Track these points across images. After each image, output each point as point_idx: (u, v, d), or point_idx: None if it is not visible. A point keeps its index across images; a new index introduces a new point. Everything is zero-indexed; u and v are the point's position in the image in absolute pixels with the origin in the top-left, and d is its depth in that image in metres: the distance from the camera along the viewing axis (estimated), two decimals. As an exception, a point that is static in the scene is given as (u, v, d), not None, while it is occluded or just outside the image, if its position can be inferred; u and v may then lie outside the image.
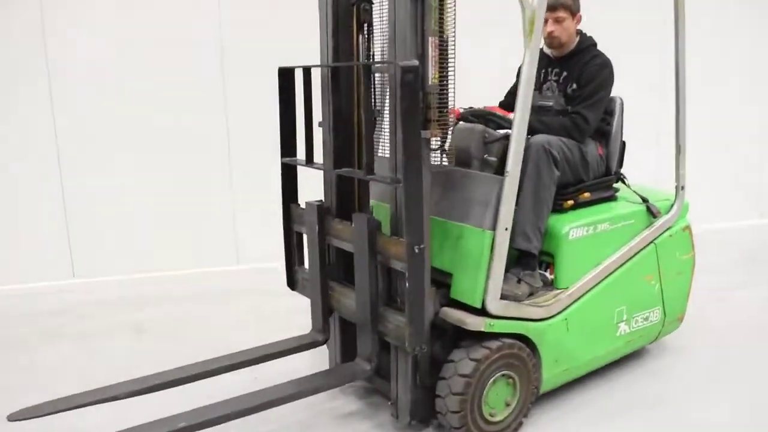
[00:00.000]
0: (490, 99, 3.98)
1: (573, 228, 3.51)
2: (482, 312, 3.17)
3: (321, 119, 3.45)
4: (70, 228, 5.89)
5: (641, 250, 3.82)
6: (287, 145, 3.61)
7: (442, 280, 3.30)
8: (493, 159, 3.39)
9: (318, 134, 3.42)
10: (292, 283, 3.82)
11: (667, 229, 3.96)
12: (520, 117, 3.05)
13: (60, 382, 3.86)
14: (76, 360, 4.35)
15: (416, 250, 2.85)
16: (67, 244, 5.90)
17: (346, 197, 3.53)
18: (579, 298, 3.53)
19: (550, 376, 3.48)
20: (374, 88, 3.26)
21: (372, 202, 3.63)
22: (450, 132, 3.10)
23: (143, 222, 6.03)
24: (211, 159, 6.13)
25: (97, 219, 5.93)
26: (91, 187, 5.86)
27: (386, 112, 3.33)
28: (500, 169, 3.36)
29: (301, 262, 3.79)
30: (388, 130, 3.09)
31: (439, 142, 3.06)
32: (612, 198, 3.94)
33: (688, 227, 4.10)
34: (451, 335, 3.32)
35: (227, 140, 6.14)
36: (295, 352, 3.48)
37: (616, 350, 3.89)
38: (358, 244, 3.15)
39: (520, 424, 3.40)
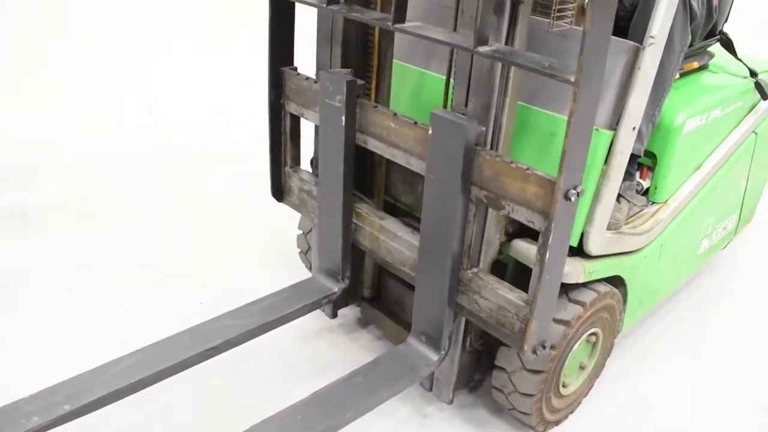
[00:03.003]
0: None
1: (689, 117, 2.40)
2: (575, 249, 2.10)
3: None
4: None
5: (743, 142, 2.79)
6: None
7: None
8: (597, 8, 2.15)
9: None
10: (278, 192, 2.53)
11: (768, 112, 2.94)
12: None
13: None
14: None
15: (571, 198, 1.63)
16: None
17: (355, 54, 2.24)
18: (677, 215, 2.52)
19: (629, 321, 2.52)
20: None
21: (396, 63, 2.34)
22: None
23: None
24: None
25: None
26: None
27: None
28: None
29: (296, 161, 2.48)
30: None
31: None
32: (706, 67, 2.83)
33: (784, 109, 3.09)
34: (512, 272, 2.25)
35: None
36: (293, 318, 2.22)
37: (691, 272, 2.97)
38: (439, 164, 1.86)
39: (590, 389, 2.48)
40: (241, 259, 3.18)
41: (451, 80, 2.03)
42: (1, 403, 1.75)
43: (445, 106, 2.10)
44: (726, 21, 2.82)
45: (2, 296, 2.83)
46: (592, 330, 2.26)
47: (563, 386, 2.29)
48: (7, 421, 1.68)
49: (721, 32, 2.79)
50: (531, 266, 2.08)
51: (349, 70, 2.16)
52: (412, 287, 2.27)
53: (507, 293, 1.89)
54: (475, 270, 1.97)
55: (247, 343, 2.12)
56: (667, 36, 1.98)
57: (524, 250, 2.09)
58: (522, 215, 1.75)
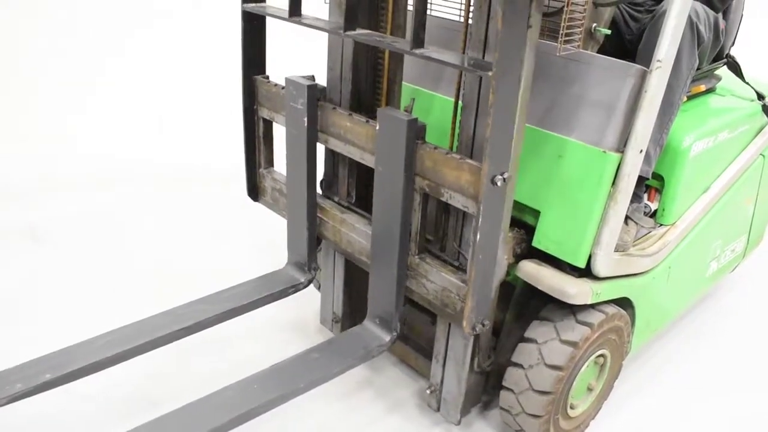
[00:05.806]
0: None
1: (696, 140, 2.41)
2: (584, 271, 2.11)
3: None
4: None
5: (751, 165, 2.80)
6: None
7: (518, 218, 2.18)
8: (604, 31, 2.17)
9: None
10: (254, 192, 2.64)
11: (776, 134, 2.94)
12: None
13: None
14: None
15: (497, 183, 1.76)
16: None
17: (365, 77, 2.27)
18: (685, 237, 2.52)
19: (638, 342, 2.52)
20: None
21: (406, 86, 2.37)
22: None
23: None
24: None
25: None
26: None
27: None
28: (609, 49, 2.19)
29: (270, 163, 2.58)
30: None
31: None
32: (713, 90, 2.84)
33: (791, 131, 3.10)
34: (520, 293, 2.27)
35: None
36: (262, 305, 2.34)
37: (699, 295, 2.97)
38: (385, 157, 1.99)
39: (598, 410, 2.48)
40: (248, 272, 3.19)
41: (460, 102, 2.06)
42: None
43: (453, 128, 2.13)
44: (733, 44, 2.86)
45: (9, 311, 2.86)
46: (600, 351, 2.26)
47: (571, 408, 2.28)
48: None
49: (728, 55, 2.82)
50: (538, 287, 2.11)
51: (312, 75, 2.27)
52: (420, 307, 2.29)
53: (449, 275, 2.01)
54: (422, 255, 2.09)
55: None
56: (675, 59, 2.00)
57: (532, 270, 2.11)
58: (458, 201, 1.89)
